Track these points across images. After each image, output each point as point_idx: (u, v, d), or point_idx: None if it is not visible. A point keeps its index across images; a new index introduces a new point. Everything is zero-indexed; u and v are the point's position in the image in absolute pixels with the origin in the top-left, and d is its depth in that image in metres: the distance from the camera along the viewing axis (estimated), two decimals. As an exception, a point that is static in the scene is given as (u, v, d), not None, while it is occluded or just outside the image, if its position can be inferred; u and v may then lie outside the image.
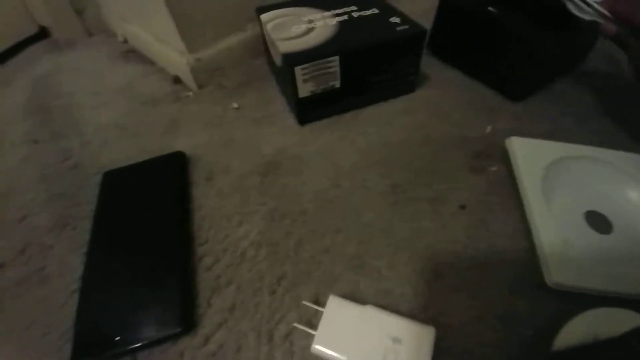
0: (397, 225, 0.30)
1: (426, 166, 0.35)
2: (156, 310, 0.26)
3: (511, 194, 0.32)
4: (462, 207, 0.31)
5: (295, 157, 0.37)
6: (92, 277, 0.29)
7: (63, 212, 0.35)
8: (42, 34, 0.63)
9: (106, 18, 0.60)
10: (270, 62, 0.46)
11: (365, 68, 0.37)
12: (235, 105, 0.43)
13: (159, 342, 0.25)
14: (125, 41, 0.59)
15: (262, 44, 0.46)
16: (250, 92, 0.45)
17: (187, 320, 0.26)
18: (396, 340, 0.22)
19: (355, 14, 0.39)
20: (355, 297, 0.26)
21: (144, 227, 0.32)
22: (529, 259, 0.27)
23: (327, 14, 0.40)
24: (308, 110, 0.39)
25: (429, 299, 0.26)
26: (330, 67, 0.35)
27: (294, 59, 0.34)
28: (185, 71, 0.45)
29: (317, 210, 0.32)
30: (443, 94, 0.42)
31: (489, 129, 0.38)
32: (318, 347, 0.23)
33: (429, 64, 0.45)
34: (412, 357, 0.22)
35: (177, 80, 0.49)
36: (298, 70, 0.34)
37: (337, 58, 0.35)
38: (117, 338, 0.25)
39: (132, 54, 0.56)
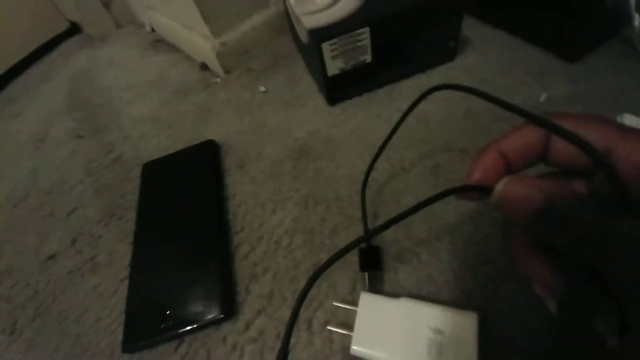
0: (439, 208, 0.28)
1: (470, 143, 0.32)
2: (200, 297, 0.27)
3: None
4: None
5: (328, 140, 0.35)
6: (139, 265, 0.31)
7: (110, 203, 0.37)
8: (74, 29, 0.66)
9: (133, 8, 0.61)
10: (296, 39, 0.43)
11: (399, 38, 0.34)
12: (262, 88, 0.42)
13: (203, 327, 0.26)
14: (153, 30, 0.59)
15: (287, 21, 0.44)
16: (278, 74, 0.44)
17: (228, 306, 0.27)
18: (438, 331, 0.21)
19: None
20: (394, 285, 0.25)
21: (183, 216, 0.32)
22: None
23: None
24: (338, 89, 0.37)
25: (475, 286, 0.24)
26: (360, 41, 0.33)
27: (320, 34, 0.32)
28: (211, 57, 0.45)
29: (352, 196, 0.31)
30: (486, 59, 0.38)
31: (543, 96, 0.33)
32: (357, 349, 0.22)
33: (468, 26, 0.40)
34: (457, 347, 0.20)
35: (204, 67, 0.49)
36: (325, 46, 0.32)
37: (367, 30, 0.32)
38: (164, 324, 0.27)
39: (160, 43, 0.56)
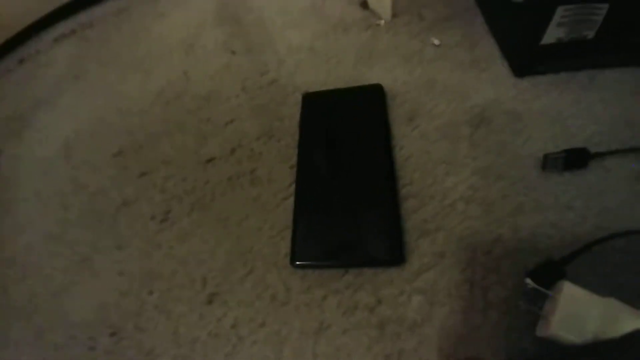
0: (646, 219, 0.26)
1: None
2: (369, 235, 0.28)
3: None
4: None
5: (513, 114, 0.32)
6: (305, 190, 0.31)
7: (267, 123, 0.38)
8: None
9: None
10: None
11: (633, 21, 0.29)
12: (436, 41, 0.39)
13: (371, 264, 0.27)
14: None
15: (478, -28, 0.40)
16: (453, 29, 0.40)
17: (398, 252, 0.27)
18: None
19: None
20: (587, 284, 0.24)
21: (350, 155, 0.32)
22: None
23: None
24: (538, 60, 0.33)
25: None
26: (595, 14, 0.28)
27: (559, -6, 0.28)
28: (382, -5, 0.42)
29: (542, 179, 0.29)
30: None
31: None
32: (551, 334, 0.22)
33: None
34: None
35: (364, 5, 0.46)
36: (561, 10, 0.28)
37: (606, 6, 0.27)
38: (334, 251, 0.28)
39: (315, -30, 0.54)
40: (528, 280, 0.24)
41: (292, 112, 0.38)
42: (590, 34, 0.30)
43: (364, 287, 0.27)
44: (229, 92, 0.42)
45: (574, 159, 0.28)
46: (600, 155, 0.28)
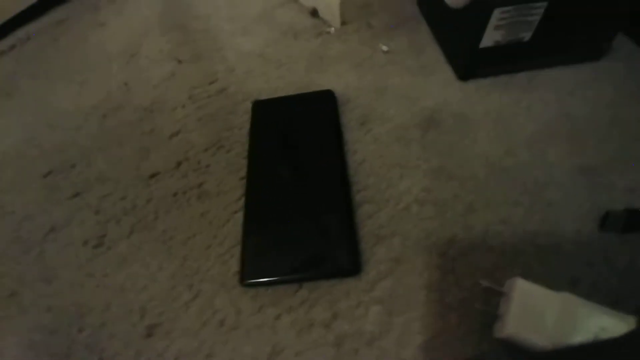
0: (587, 210, 0.27)
1: (618, 149, 0.30)
2: (323, 246, 0.26)
3: None
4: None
5: (460, 116, 0.33)
6: (255, 202, 0.30)
7: (216, 134, 0.36)
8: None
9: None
10: (426, 3, 0.40)
11: (567, 22, 0.31)
12: (385, 48, 0.40)
13: (324, 277, 0.26)
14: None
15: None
16: (400, 36, 0.41)
17: (354, 262, 0.26)
18: (601, 331, 0.20)
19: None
20: (540, 279, 0.24)
21: (302, 162, 0.31)
22: None
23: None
24: (479, 64, 0.34)
25: (621, 293, 0.23)
26: (532, 15, 0.30)
27: (493, -1, 0.29)
28: (330, 4, 0.42)
29: (490, 177, 0.29)
30: (630, 70, 0.35)
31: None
32: (509, 334, 0.21)
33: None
34: None
35: (314, 13, 0.46)
36: (497, 12, 0.29)
37: (544, 5, 0.29)
38: (286, 265, 0.26)
39: (264, -20, 0.53)
40: (482, 281, 0.24)
41: (242, 121, 0.36)
42: (527, 36, 0.32)
43: (320, 301, 0.25)
44: (175, 102, 0.39)
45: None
46: (542, 151, 0.29)
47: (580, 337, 0.20)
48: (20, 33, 0.56)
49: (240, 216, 0.29)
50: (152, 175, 0.34)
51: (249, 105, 0.37)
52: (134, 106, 0.40)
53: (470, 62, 0.34)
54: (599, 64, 0.36)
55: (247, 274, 0.26)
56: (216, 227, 0.30)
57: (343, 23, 0.43)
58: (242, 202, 0.30)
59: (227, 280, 0.27)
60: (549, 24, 0.31)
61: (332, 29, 0.44)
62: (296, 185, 0.30)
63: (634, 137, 0.30)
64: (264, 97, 0.37)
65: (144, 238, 0.31)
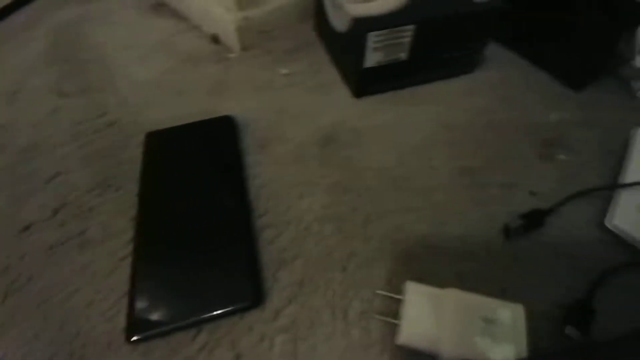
0: (469, 207, 0.29)
1: (493, 150, 0.33)
2: (221, 282, 0.25)
3: (583, 183, 0.31)
4: (533, 193, 0.30)
5: (355, 131, 0.34)
6: (145, 244, 0.27)
7: (103, 172, 0.33)
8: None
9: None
10: (322, 27, 0.43)
11: (437, 41, 0.35)
12: (284, 71, 0.40)
13: (225, 315, 0.24)
14: (155, -7, 0.54)
15: (313, 7, 0.43)
16: (299, 59, 0.42)
17: (255, 293, 0.25)
18: (488, 320, 0.22)
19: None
20: (432, 279, 0.25)
21: (199, 194, 0.30)
22: (604, 247, 0.27)
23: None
24: (368, 83, 0.36)
25: (507, 281, 0.25)
26: (403, 37, 0.33)
27: (367, 24, 0.31)
28: (229, 30, 0.42)
29: (383, 187, 0.30)
30: (502, 78, 0.40)
31: (553, 116, 0.36)
32: (406, 338, 0.22)
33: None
34: (509, 336, 0.21)
35: (215, 39, 0.46)
36: (371, 37, 0.31)
37: (412, 27, 0.32)
38: (179, 311, 0.24)
39: (163, 7, 0.52)
40: (379, 291, 0.24)
41: (135, 155, 0.33)
42: (404, 56, 0.35)
43: (222, 342, 0.23)
44: (56, 140, 0.35)
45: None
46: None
47: (473, 327, 0.21)
48: None
49: (129, 262, 0.27)
50: (26, 228, 0.29)
51: (142, 138, 0.34)
52: (11, 149, 0.35)
53: (360, 80, 0.36)
54: (473, 75, 0.41)
55: (134, 329, 0.23)
56: (100, 279, 0.26)
57: (244, 49, 0.43)
58: (132, 245, 0.27)
59: (114, 339, 0.24)
60: (421, 44, 0.34)
61: (233, 54, 0.43)
62: (192, 220, 0.28)
63: (506, 138, 0.34)
64: (161, 127, 0.35)
65: (17, 302, 0.26)
